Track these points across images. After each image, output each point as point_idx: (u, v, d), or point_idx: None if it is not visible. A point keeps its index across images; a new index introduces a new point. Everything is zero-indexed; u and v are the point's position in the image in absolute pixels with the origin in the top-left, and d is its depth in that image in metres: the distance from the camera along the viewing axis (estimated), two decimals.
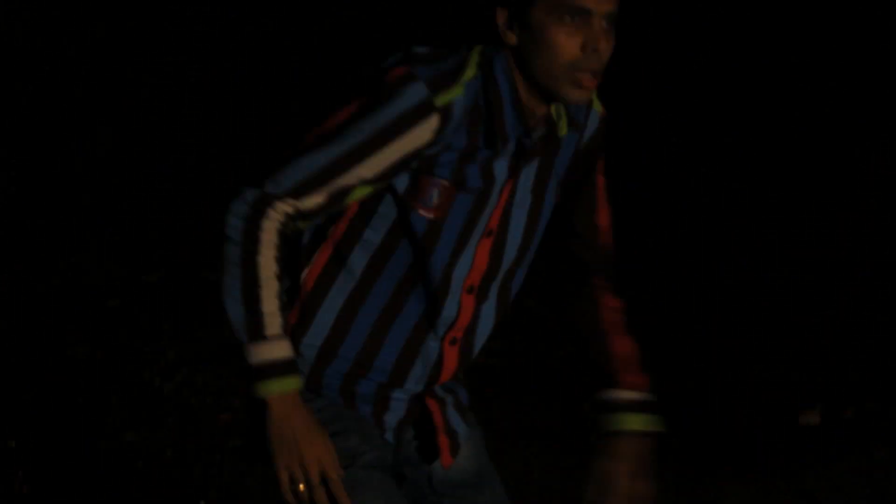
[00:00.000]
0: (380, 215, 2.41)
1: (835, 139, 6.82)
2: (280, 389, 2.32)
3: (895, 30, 6.78)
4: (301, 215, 2.34)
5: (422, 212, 2.37)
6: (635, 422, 2.57)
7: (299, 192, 2.33)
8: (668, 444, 5.36)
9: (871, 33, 6.81)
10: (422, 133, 2.32)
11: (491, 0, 2.36)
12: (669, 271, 6.66)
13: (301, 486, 2.34)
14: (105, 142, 7.42)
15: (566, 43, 2.30)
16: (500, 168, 2.41)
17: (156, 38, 7.47)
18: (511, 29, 2.35)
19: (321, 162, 2.33)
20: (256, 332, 2.32)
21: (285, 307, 2.38)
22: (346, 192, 2.34)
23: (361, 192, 2.36)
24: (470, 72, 2.37)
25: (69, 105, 7.43)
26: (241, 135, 7.39)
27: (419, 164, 2.36)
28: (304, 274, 2.45)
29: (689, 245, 6.75)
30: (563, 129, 2.45)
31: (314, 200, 2.34)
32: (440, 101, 2.32)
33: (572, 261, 2.62)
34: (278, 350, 2.32)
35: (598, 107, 2.55)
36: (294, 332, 2.45)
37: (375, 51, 7.40)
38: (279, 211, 2.33)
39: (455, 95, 2.33)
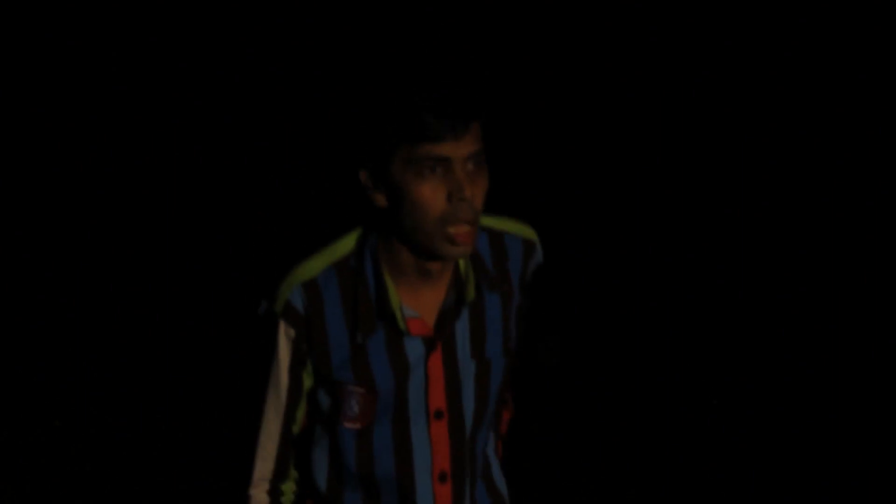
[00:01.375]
0: (318, 443, 2.36)
1: (832, 140, 6.82)
2: None
3: (894, 30, 6.78)
4: (278, 474, 2.36)
5: (347, 424, 2.28)
6: None
7: (265, 465, 2.34)
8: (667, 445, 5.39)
9: (869, 33, 6.82)
10: (283, 343, 2.26)
11: (352, 163, 2.21)
12: (667, 273, 6.66)
13: None
14: (105, 141, 7.42)
15: (431, 197, 2.13)
16: (413, 348, 2.28)
17: (155, 38, 7.47)
18: (377, 189, 2.20)
19: (263, 431, 2.33)
20: None
21: None
22: (287, 432, 2.34)
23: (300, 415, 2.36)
24: (319, 262, 2.27)
25: (69, 105, 7.43)
26: (241, 134, 7.39)
27: (321, 373, 2.28)
28: None
29: (687, 247, 6.75)
30: (470, 294, 2.28)
31: (277, 459, 2.35)
32: (278, 306, 2.25)
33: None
34: None
35: (526, 233, 2.39)
36: None
37: (376, 51, 7.41)
38: (259, 494, 2.36)
39: (287, 293, 2.25)
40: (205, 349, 6.21)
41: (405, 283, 2.26)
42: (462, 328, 2.30)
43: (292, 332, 2.25)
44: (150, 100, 7.42)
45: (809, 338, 6.11)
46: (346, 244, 2.28)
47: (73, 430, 5.69)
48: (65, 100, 7.44)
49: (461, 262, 2.29)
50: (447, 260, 2.23)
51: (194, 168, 7.34)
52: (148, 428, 5.70)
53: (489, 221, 2.34)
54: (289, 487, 2.37)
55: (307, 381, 2.31)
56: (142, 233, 7.14)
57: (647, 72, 7.07)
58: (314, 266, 2.27)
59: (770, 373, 5.97)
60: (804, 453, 5.37)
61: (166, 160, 7.37)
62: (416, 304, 2.27)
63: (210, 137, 7.38)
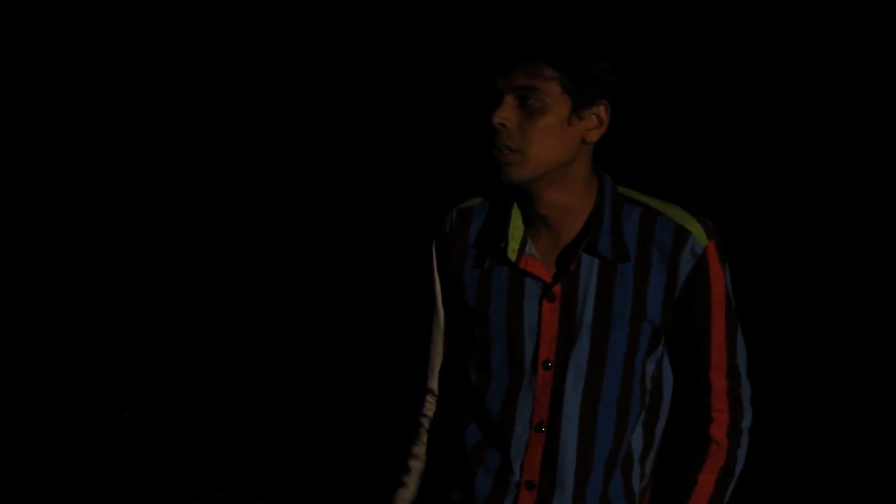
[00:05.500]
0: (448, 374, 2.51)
1: (832, 140, 6.82)
2: None
3: (894, 30, 6.79)
4: (439, 380, 2.50)
5: (472, 353, 2.41)
6: None
7: (433, 380, 2.51)
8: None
9: (869, 33, 6.82)
10: (434, 259, 2.43)
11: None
12: None
13: None
14: (105, 141, 7.43)
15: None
16: (531, 288, 2.38)
17: (155, 38, 7.48)
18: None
19: (433, 347, 2.49)
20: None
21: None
22: (443, 349, 2.48)
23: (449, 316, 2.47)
24: (478, 198, 2.45)
25: (69, 105, 7.43)
26: (241, 134, 7.39)
27: (450, 292, 2.43)
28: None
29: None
30: (596, 245, 2.40)
31: (440, 376, 2.49)
32: (432, 226, 2.43)
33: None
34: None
35: (684, 221, 2.51)
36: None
37: (376, 52, 7.42)
38: (427, 404, 2.53)
39: (446, 216, 2.44)
40: (205, 349, 6.21)
41: (533, 228, 2.40)
42: (588, 283, 2.38)
43: (436, 250, 2.44)
44: (150, 100, 7.43)
45: (809, 338, 6.11)
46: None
47: (73, 430, 5.69)
48: (65, 100, 7.45)
49: (597, 222, 2.41)
50: (505, 183, 2.38)
51: (194, 168, 7.34)
52: (148, 428, 5.70)
53: (653, 202, 2.55)
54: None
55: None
56: (142, 233, 7.14)
57: (647, 72, 7.07)
58: (475, 199, 2.46)
59: (770, 373, 5.97)
60: (804, 453, 5.37)
61: (166, 160, 7.37)
62: (539, 248, 2.39)
63: (210, 137, 7.38)
